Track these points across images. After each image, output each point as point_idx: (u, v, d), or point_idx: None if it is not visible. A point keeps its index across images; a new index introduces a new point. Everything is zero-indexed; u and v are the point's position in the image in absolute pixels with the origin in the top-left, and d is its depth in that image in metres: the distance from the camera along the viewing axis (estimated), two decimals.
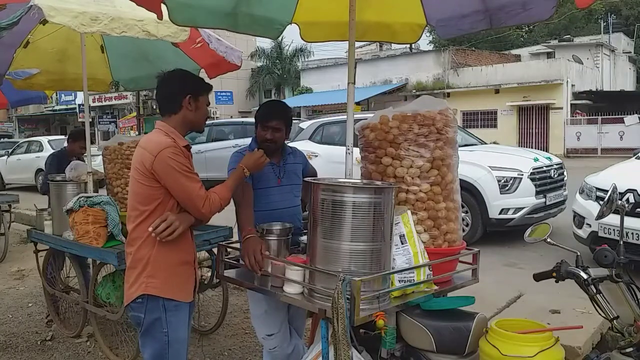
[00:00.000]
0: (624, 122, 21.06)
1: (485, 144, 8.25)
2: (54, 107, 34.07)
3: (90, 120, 5.75)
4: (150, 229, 2.12)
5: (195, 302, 2.79)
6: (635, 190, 4.89)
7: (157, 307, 2.18)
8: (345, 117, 2.55)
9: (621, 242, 2.05)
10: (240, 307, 4.58)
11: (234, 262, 2.56)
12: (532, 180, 6.37)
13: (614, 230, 4.84)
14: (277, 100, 3.03)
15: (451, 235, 2.32)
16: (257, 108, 2.88)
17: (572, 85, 23.17)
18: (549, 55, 28.50)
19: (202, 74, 4.23)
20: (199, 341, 3.87)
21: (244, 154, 2.64)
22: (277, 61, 32.78)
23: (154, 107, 24.40)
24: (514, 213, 6.25)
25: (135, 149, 2.25)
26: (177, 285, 2.23)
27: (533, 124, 23.20)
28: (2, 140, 23.38)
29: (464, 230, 5.11)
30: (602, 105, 23.22)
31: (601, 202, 3.26)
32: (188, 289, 2.29)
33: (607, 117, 21.85)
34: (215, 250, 3.31)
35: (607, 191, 2.19)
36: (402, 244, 2.12)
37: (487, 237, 6.41)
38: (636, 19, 35.36)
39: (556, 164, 7.00)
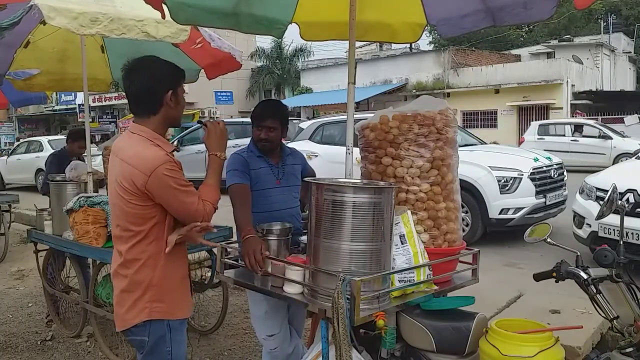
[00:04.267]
0: (624, 122, 21.04)
1: (485, 144, 8.25)
2: (54, 107, 34.04)
3: (90, 120, 5.75)
4: (168, 249, 1.98)
5: (194, 303, 2.74)
6: (635, 190, 4.89)
7: (162, 328, 2.06)
8: (345, 117, 2.55)
9: (621, 242, 2.05)
10: (240, 307, 4.58)
11: (234, 262, 2.56)
12: (532, 180, 6.38)
13: (614, 230, 4.84)
14: (272, 99, 3.03)
15: (451, 235, 2.32)
16: None
17: (572, 85, 23.16)
18: (549, 55, 28.48)
19: (202, 75, 4.24)
20: (199, 341, 3.87)
21: (242, 155, 2.64)
22: (277, 61, 32.73)
23: None
24: (514, 213, 6.25)
25: (114, 159, 2.02)
26: (181, 303, 2.13)
27: None
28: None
29: (464, 230, 5.12)
30: (602, 105, 23.22)
31: (601, 202, 3.26)
32: (189, 302, 2.22)
33: (607, 117, 21.82)
34: (215, 250, 3.31)
35: (607, 191, 2.19)
36: (402, 244, 2.12)
37: (487, 237, 6.41)
38: (636, 19, 35.35)
39: (556, 164, 7.00)
